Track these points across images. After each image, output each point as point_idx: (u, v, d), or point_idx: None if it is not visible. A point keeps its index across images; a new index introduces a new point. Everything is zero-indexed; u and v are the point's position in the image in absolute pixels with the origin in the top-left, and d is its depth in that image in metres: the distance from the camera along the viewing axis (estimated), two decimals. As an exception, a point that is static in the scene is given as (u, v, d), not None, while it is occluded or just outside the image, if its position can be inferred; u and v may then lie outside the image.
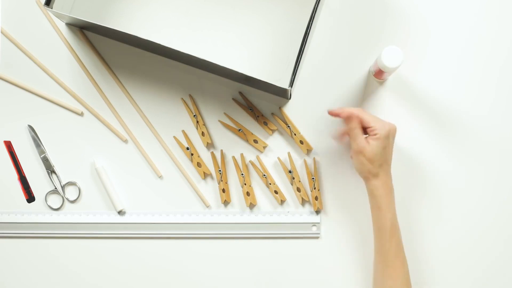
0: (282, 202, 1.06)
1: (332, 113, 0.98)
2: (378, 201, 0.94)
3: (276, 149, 1.07)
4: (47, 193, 1.08)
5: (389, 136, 0.94)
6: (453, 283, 1.05)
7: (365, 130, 0.96)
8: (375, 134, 0.93)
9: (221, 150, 1.07)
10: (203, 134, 1.07)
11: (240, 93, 1.07)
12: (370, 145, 0.93)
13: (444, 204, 1.06)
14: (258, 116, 1.07)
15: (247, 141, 1.07)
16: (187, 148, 1.07)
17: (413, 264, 1.01)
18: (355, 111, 0.95)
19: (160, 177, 1.08)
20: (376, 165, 0.94)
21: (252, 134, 1.07)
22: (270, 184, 1.06)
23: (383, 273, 0.93)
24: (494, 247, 1.06)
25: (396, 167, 1.06)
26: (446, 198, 1.06)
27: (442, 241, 1.05)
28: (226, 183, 1.07)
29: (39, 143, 1.08)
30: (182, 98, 1.08)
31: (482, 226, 1.06)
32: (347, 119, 0.95)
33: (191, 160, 1.07)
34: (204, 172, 1.07)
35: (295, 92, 1.07)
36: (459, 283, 1.05)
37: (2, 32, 1.09)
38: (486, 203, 1.06)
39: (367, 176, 0.95)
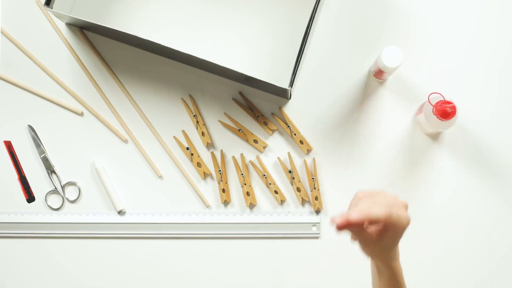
0: (282, 202, 1.06)
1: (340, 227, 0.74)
2: (393, 274, 0.79)
3: (276, 149, 1.07)
4: (47, 193, 1.08)
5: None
6: (454, 285, 1.05)
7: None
8: (387, 231, 0.74)
9: (221, 150, 1.07)
10: (203, 134, 1.07)
11: (240, 93, 1.07)
12: (389, 239, 0.76)
13: (444, 203, 1.06)
14: (258, 116, 1.07)
15: (247, 141, 1.07)
16: (187, 148, 1.07)
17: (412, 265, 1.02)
18: (380, 216, 0.72)
19: (160, 177, 1.08)
20: (394, 248, 0.78)
21: (252, 134, 1.07)
22: (270, 184, 1.06)
23: None
24: (497, 248, 1.06)
25: (396, 167, 1.06)
26: (446, 197, 1.06)
27: (443, 241, 1.05)
28: (226, 183, 1.07)
29: (39, 143, 1.08)
30: (182, 98, 1.08)
31: (484, 227, 1.06)
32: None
33: (191, 160, 1.07)
34: (204, 172, 1.07)
35: (295, 92, 1.07)
36: (461, 286, 1.05)
37: (2, 32, 1.09)
38: (487, 203, 1.06)
39: (383, 261, 0.79)
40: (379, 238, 0.75)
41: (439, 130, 1.04)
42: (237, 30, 1.07)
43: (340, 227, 0.73)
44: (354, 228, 0.75)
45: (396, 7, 1.08)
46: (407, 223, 0.75)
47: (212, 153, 1.06)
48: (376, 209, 0.72)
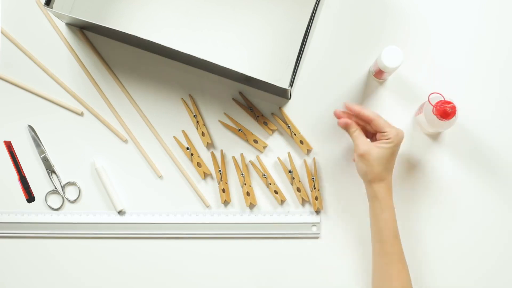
0: (282, 202, 1.06)
1: (349, 108, 0.97)
2: (382, 203, 0.94)
3: (276, 149, 1.07)
4: (47, 193, 1.07)
5: (400, 143, 0.95)
6: (453, 283, 1.05)
7: (371, 134, 0.97)
8: (387, 139, 0.93)
9: (221, 150, 1.07)
10: (203, 134, 1.07)
11: (240, 93, 1.07)
12: (380, 149, 0.93)
13: (444, 203, 1.06)
14: (258, 116, 1.07)
15: (247, 141, 1.07)
16: (187, 148, 1.07)
17: (413, 263, 1.02)
18: (370, 113, 0.95)
19: (160, 177, 1.08)
20: (383, 168, 0.93)
21: (252, 134, 1.07)
22: (270, 184, 1.06)
23: (386, 276, 0.93)
24: (495, 248, 1.06)
25: (396, 167, 1.06)
26: (446, 197, 1.06)
27: (443, 241, 1.05)
28: (226, 183, 1.07)
29: (39, 143, 1.08)
30: (182, 98, 1.08)
31: (484, 226, 1.06)
32: (346, 123, 0.96)
33: (191, 160, 1.07)
34: (204, 172, 1.07)
35: (295, 92, 1.07)
36: (460, 284, 1.05)
37: (2, 32, 1.09)
38: (487, 203, 1.06)
39: (372, 179, 0.94)
40: (373, 143, 0.94)
41: (439, 130, 1.04)
42: (237, 30, 1.07)
43: (339, 115, 0.96)
44: (351, 126, 0.95)
45: (396, 7, 1.08)
46: (403, 135, 0.95)
47: (212, 153, 1.06)
48: (366, 110, 0.95)
